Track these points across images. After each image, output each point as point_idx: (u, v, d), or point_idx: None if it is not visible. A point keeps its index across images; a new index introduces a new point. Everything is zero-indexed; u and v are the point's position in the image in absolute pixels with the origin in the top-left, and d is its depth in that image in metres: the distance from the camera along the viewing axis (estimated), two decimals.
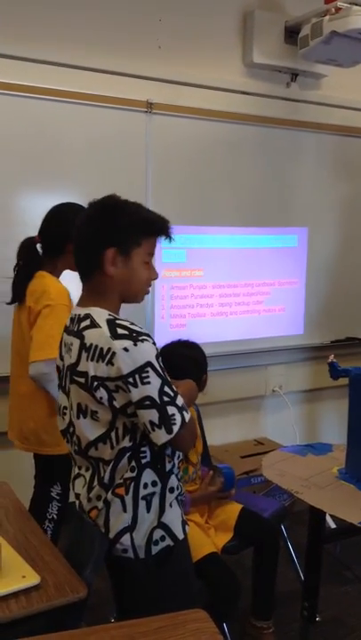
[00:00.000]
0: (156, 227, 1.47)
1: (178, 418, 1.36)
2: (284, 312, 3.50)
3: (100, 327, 1.38)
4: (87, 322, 1.41)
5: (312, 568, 2.00)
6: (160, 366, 1.37)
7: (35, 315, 2.06)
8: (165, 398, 1.35)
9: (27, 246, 2.18)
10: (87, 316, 1.42)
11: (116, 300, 1.47)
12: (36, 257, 2.16)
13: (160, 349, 2.22)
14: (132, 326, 1.38)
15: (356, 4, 2.76)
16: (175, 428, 1.35)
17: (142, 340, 1.35)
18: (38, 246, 2.17)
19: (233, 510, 2.25)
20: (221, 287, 3.27)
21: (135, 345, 1.34)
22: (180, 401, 1.38)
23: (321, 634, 2.28)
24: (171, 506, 1.47)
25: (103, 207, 1.46)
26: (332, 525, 2.70)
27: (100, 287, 1.46)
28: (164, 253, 3.07)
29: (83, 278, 1.50)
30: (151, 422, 1.35)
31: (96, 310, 1.43)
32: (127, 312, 1.52)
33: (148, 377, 1.34)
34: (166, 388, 1.36)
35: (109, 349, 1.34)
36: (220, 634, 1.22)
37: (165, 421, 1.35)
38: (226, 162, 3.19)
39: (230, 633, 2.06)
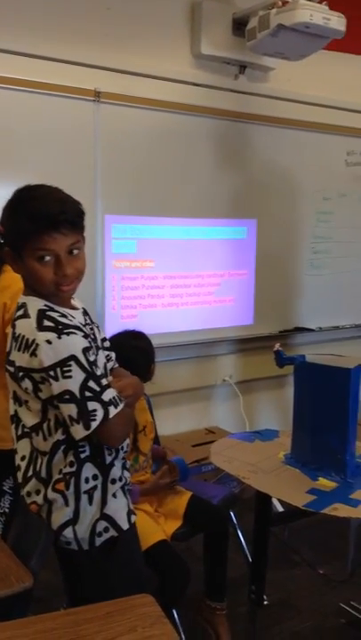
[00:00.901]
0: (40, 223, 1.31)
1: (99, 413, 1.33)
2: (234, 303, 3.54)
3: (29, 317, 1.36)
4: (21, 311, 1.40)
5: (259, 551, 2.04)
6: (87, 360, 1.33)
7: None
8: (88, 393, 1.32)
9: None
10: (23, 306, 1.41)
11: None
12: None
13: (107, 340, 2.20)
14: (60, 319, 1.35)
15: None
16: (94, 424, 1.32)
17: (68, 334, 1.33)
18: None
19: (182, 498, 2.28)
20: (172, 278, 3.28)
21: (59, 338, 1.32)
22: (107, 396, 1.35)
23: (269, 616, 2.33)
24: (115, 496, 1.46)
25: (6, 204, 1.41)
26: (280, 509, 2.75)
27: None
28: (115, 244, 3.06)
29: None
30: (70, 417, 1.33)
31: (31, 300, 1.40)
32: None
33: (69, 371, 1.31)
34: (91, 383, 1.33)
35: (33, 341, 1.33)
36: (165, 617, 1.24)
37: (84, 417, 1.32)
38: (176, 153, 3.19)
39: (180, 618, 2.08)
